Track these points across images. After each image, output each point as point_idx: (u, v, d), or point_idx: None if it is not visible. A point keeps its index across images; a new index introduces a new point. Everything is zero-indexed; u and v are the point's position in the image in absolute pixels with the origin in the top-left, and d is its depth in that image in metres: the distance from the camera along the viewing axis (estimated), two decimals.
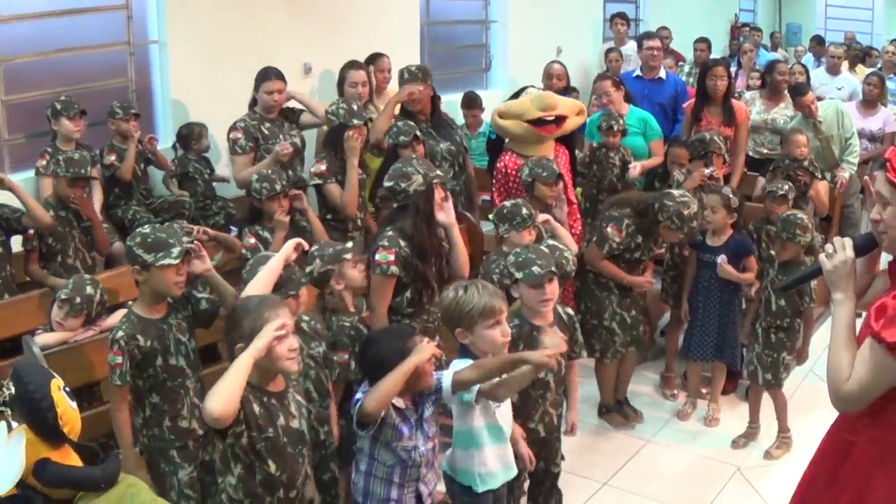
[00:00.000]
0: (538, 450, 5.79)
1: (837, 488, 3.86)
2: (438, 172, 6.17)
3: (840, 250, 3.73)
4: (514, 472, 5.34)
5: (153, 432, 5.28)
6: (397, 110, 8.69)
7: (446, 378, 4.81)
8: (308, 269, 5.65)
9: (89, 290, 6.14)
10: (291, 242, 5.23)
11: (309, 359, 5.38)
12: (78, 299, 6.07)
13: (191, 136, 9.13)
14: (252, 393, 4.21)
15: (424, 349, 4.58)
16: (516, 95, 8.55)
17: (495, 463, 5.17)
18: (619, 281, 7.39)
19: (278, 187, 6.93)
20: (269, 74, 8.24)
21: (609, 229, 7.30)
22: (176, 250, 5.03)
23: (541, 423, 5.81)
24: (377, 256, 5.99)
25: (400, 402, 4.69)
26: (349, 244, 5.81)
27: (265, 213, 7.01)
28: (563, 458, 6.15)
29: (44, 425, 3.18)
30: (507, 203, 6.82)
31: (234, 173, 8.25)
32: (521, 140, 8.17)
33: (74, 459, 3.26)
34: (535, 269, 5.54)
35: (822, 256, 3.79)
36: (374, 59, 9.57)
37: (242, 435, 4.15)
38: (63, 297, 6.09)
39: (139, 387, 5.19)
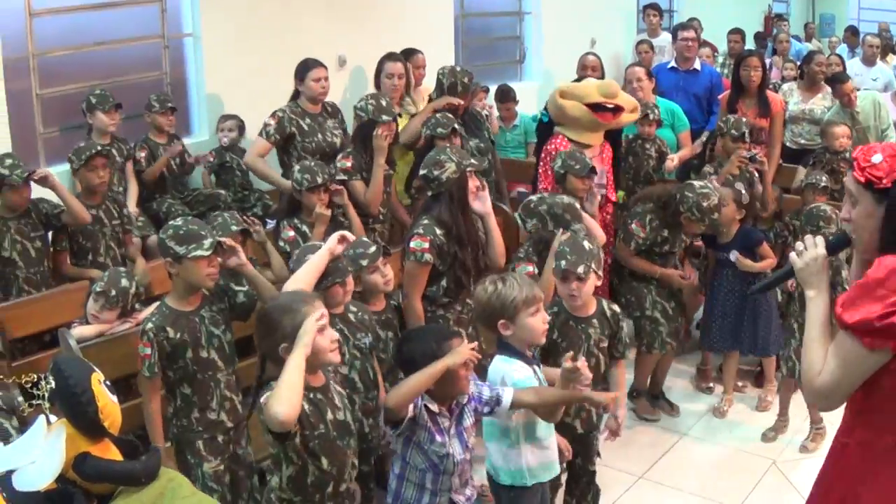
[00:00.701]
0: (575, 447, 5.76)
1: (825, 490, 3.85)
2: (472, 161, 6.14)
3: (811, 247, 3.70)
4: (558, 468, 5.34)
5: (182, 423, 5.28)
6: (425, 104, 8.70)
7: (506, 396, 4.80)
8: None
9: (124, 282, 6.14)
10: (336, 235, 5.18)
11: (355, 349, 5.38)
12: (113, 292, 6.08)
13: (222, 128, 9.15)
14: None
15: (460, 353, 4.48)
16: (578, 81, 8.61)
17: (541, 457, 5.16)
18: (652, 276, 7.43)
19: (319, 179, 6.93)
20: (312, 63, 8.23)
21: (633, 225, 7.42)
22: (207, 242, 5.04)
23: (577, 419, 5.77)
24: (412, 244, 5.98)
25: (434, 406, 4.61)
26: (371, 249, 5.74)
27: (304, 206, 7.01)
28: (598, 455, 6.12)
29: (84, 419, 3.17)
30: (534, 198, 6.81)
31: (248, 150, 8.31)
32: (576, 123, 8.14)
33: (114, 454, 3.25)
34: (563, 263, 5.57)
35: (792, 255, 3.76)
36: (409, 54, 9.58)
37: (296, 435, 4.14)
38: (98, 289, 6.09)
39: (169, 378, 5.20)
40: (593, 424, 5.89)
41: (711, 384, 8.28)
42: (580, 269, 5.53)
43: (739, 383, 8.09)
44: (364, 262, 5.63)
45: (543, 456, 5.16)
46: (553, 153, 8.03)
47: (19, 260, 6.88)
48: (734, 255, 7.42)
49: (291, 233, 6.97)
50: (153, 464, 3.28)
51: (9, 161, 6.83)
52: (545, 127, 8.69)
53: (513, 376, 4.95)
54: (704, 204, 7.15)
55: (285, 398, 3.86)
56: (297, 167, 7.13)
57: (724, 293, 7.72)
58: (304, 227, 7.00)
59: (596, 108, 8.05)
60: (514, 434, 5.03)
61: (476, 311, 5.29)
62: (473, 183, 6.07)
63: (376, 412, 5.51)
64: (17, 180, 6.74)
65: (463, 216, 6.07)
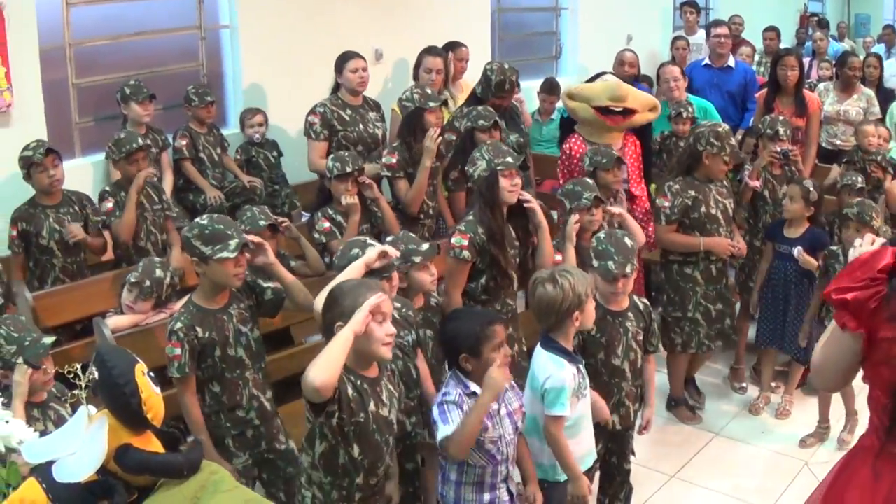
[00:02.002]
0: (611, 445, 5.81)
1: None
2: (507, 160, 6.09)
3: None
4: (592, 458, 5.38)
5: (211, 420, 5.25)
6: (464, 97, 8.67)
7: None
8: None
9: (159, 273, 6.16)
10: (377, 250, 5.09)
11: (398, 349, 5.28)
12: (147, 282, 6.11)
13: (242, 121, 9.17)
14: (347, 375, 4.19)
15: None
16: (593, 80, 8.52)
17: (575, 451, 5.17)
18: (696, 248, 7.31)
19: (348, 168, 6.93)
20: (350, 54, 8.29)
21: (658, 200, 7.38)
22: (233, 243, 4.99)
23: (615, 414, 5.74)
24: (453, 240, 6.01)
25: (478, 389, 4.65)
26: (424, 246, 5.71)
27: (335, 195, 7.02)
28: (633, 453, 6.10)
29: (127, 411, 3.15)
30: (570, 183, 6.79)
31: (308, 158, 8.28)
32: (587, 124, 8.12)
33: (156, 445, 3.23)
34: (611, 264, 5.55)
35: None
36: (454, 46, 9.56)
37: (334, 415, 4.13)
38: (133, 280, 6.11)
39: (198, 377, 5.17)
40: (630, 422, 5.88)
41: (745, 384, 8.26)
42: (628, 269, 5.55)
43: (773, 384, 8.03)
44: (417, 260, 5.58)
45: (577, 450, 5.18)
46: (568, 152, 8.09)
47: (56, 249, 6.91)
48: (797, 251, 7.33)
49: (326, 224, 6.97)
50: (195, 456, 3.26)
51: (33, 144, 6.90)
52: (566, 123, 8.73)
53: (555, 384, 5.00)
54: (719, 130, 7.24)
55: (322, 366, 3.88)
56: (330, 156, 7.17)
57: (779, 288, 7.66)
58: (339, 218, 7.00)
59: (603, 111, 7.99)
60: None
61: (540, 310, 5.18)
62: (507, 181, 6.06)
63: (417, 410, 5.51)
64: (40, 157, 6.76)
65: (493, 214, 6.06)
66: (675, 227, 7.30)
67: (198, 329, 5.06)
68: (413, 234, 5.92)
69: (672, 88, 9.39)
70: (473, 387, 4.64)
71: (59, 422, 4.67)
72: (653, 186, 8.58)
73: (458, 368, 4.74)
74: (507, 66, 8.56)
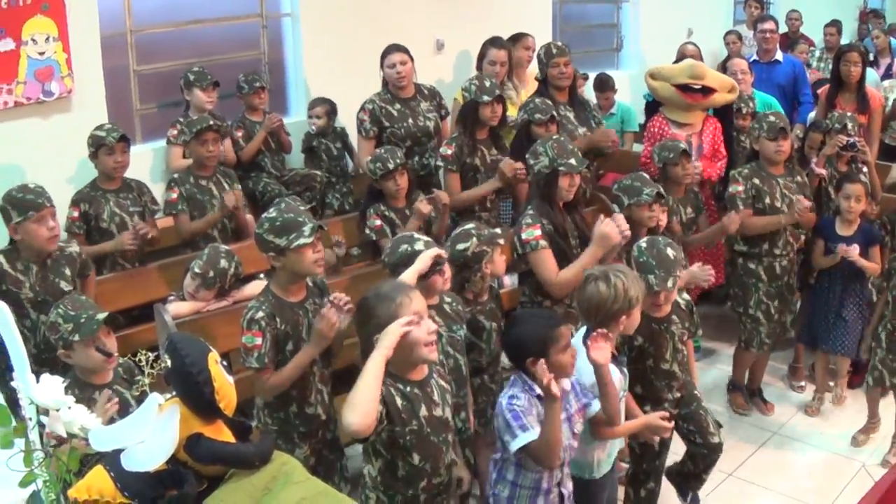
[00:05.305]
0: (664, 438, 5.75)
1: None
2: (571, 161, 6.08)
3: None
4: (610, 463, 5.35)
5: (279, 416, 5.24)
6: (535, 87, 8.64)
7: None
8: (462, 247, 5.58)
9: (223, 263, 6.14)
10: (429, 253, 5.06)
11: (448, 345, 5.29)
12: (211, 273, 6.10)
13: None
14: (393, 385, 4.14)
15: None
16: (677, 62, 8.81)
17: (609, 449, 5.20)
18: (776, 227, 7.29)
19: (391, 165, 6.90)
20: (389, 49, 8.23)
21: (730, 188, 7.40)
22: (308, 228, 4.94)
23: (671, 407, 5.73)
24: (523, 235, 6.01)
25: (541, 391, 4.58)
26: (498, 230, 5.71)
27: (385, 193, 7.01)
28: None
29: (200, 400, 3.12)
30: (628, 178, 6.76)
31: (358, 156, 8.36)
32: (668, 103, 8.35)
33: (227, 435, 3.19)
34: (651, 278, 5.47)
35: None
36: (520, 37, 9.46)
37: (383, 432, 4.08)
38: (197, 270, 6.10)
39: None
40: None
41: (803, 382, 8.23)
42: (669, 284, 5.48)
43: (830, 383, 7.95)
44: (501, 242, 5.66)
45: (600, 454, 5.20)
46: (651, 130, 8.36)
47: (116, 232, 6.87)
48: (846, 249, 7.20)
49: (378, 221, 6.97)
50: (267, 447, 3.23)
51: (106, 125, 6.94)
52: (651, 106, 8.91)
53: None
54: (772, 119, 7.36)
55: (358, 407, 3.81)
56: (368, 157, 7.14)
57: (830, 286, 7.59)
58: (391, 214, 7.00)
59: (684, 88, 8.17)
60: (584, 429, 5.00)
61: (588, 307, 5.10)
62: (566, 181, 6.05)
63: (466, 408, 5.49)
64: (112, 141, 6.76)
65: (555, 209, 6.09)
66: (751, 211, 7.29)
67: (277, 320, 5.03)
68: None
69: (739, 82, 9.30)
70: (538, 390, 4.56)
71: (121, 405, 4.70)
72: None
73: (524, 372, 4.66)
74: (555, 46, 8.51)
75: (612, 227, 5.68)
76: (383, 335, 3.98)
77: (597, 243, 5.83)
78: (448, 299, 5.37)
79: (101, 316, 4.72)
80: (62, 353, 4.76)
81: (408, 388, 4.21)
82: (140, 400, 4.70)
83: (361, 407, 3.81)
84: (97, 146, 6.81)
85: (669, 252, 5.54)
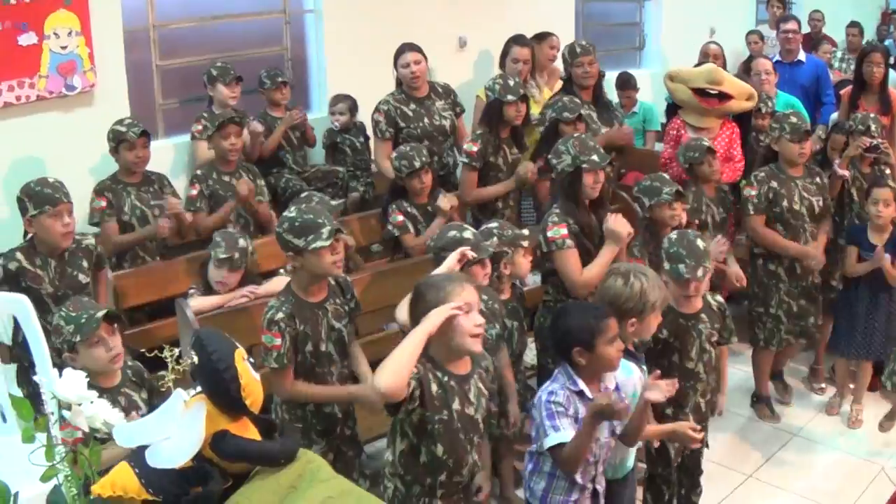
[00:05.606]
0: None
1: None
2: (593, 158, 6.06)
3: None
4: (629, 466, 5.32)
5: (297, 413, 5.26)
6: (559, 85, 8.63)
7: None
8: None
9: (241, 242, 6.24)
10: (457, 253, 5.03)
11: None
12: (236, 254, 6.17)
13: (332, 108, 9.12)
14: (432, 371, 4.15)
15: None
16: (700, 62, 8.84)
17: (620, 453, 5.14)
18: (786, 252, 7.28)
19: (417, 164, 6.93)
20: (402, 49, 8.19)
21: (745, 190, 7.36)
22: (326, 230, 4.93)
23: (691, 412, 5.71)
24: (549, 234, 6.01)
25: (588, 391, 4.58)
26: (526, 231, 5.71)
27: (409, 191, 7.03)
28: (706, 445, 6.02)
29: (226, 397, 3.10)
30: (648, 179, 6.77)
31: (374, 157, 8.38)
32: (685, 106, 8.33)
33: (253, 433, 3.18)
34: (682, 267, 5.48)
35: None
36: (544, 36, 9.44)
37: (414, 412, 4.09)
38: (221, 256, 6.14)
39: None
40: (703, 416, 5.84)
41: (824, 385, 8.18)
42: (699, 273, 5.48)
43: (851, 385, 7.88)
44: (524, 244, 5.72)
45: (620, 452, 5.16)
46: (670, 132, 8.34)
47: (138, 226, 6.89)
48: (881, 255, 7.16)
49: (400, 217, 7.01)
50: (292, 444, 3.21)
51: (127, 120, 6.94)
52: (671, 108, 8.87)
53: (636, 389, 4.95)
54: (793, 119, 7.30)
55: (389, 369, 3.86)
56: (394, 154, 7.16)
57: (859, 294, 7.52)
58: (414, 210, 7.03)
59: (701, 93, 8.14)
60: None
61: (600, 300, 5.10)
62: (591, 178, 6.04)
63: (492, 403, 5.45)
64: (133, 136, 6.78)
65: (580, 208, 6.08)
66: (763, 217, 7.28)
67: (296, 320, 5.03)
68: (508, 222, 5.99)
69: (763, 82, 9.26)
70: (581, 385, 4.56)
71: (130, 408, 4.65)
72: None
73: (570, 363, 4.64)
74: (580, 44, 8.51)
75: (619, 223, 5.68)
76: (430, 313, 4.01)
77: (608, 241, 5.88)
78: (484, 297, 5.30)
79: (101, 313, 4.61)
80: (67, 356, 4.61)
81: (445, 378, 4.21)
82: (148, 403, 4.74)
83: (394, 369, 3.86)
84: (118, 141, 6.83)
85: (699, 243, 5.57)
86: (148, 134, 6.96)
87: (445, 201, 6.91)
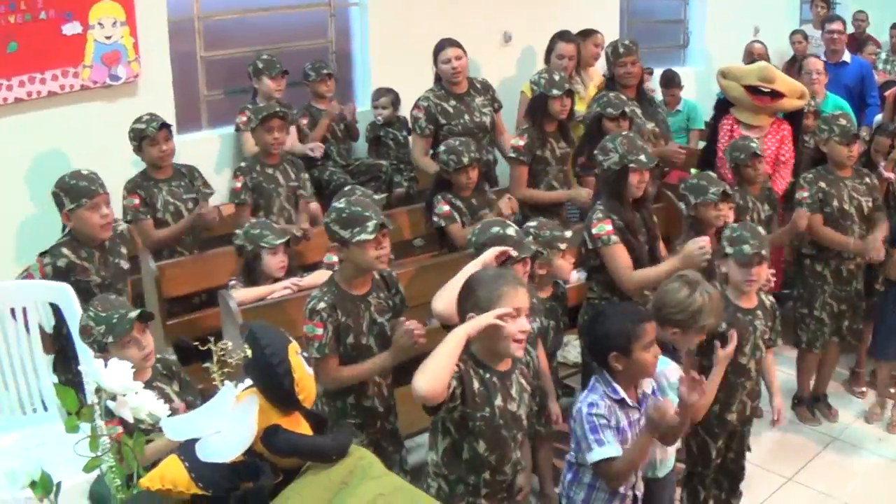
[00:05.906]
0: (728, 440, 5.79)
1: None
2: (641, 158, 6.03)
3: None
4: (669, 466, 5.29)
5: (335, 404, 5.25)
6: (599, 81, 8.60)
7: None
8: None
9: (281, 223, 6.38)
10: (495, 250, 4.90)
11: None
12: (284, 238, 6.24)
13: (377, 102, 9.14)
14: (474, 368, 4.13)
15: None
16: (746, 61, 8.92)
17: (670, 449, 5.13)
18: (844, 248, 7.23)
19: (465, 160, 6.93)
20: (442, 44, 8.16)
21: (797, 193, 7.32)
22: (371, 224, 4.92)
23: (735, 413, 5.68)
24: (594, 230, 5.97)
25: (623, 394, 4.56)
26: (568, 233, 5.68)
27: (454, 185, 7.04)
28: (749, 449, 6.02)
29: (279, 391, 3.07)
30: (695, 177, 6.73)
31: (411, 153, 8.37)
32: (737, 103, 8.28)
33: (304, 428, 3.15)
34: (746, 247, 5.49)
35: None
36: (589, 33, 9.44)
37: (455, 410, 4.07)
38: (276, 243, 6.18)
39: None
40: (746, 417, 5.81)
41: (864, 388, 8.11)
42: (764, 252, 5.50)
43: (892, 390, 7.84)
44: (562, 246, 5.69)
45: (672, 447, 5.15)
46: (722, 129, 8.33)
47: (172, 221, 6.87)
48: None
49: (446, 207, 7.00)
50: (344, 440, 3.19)
51: (146, 117, 6.86)
52: (721, 104, 8.75)
53: (669, 379, 4.92)
54: (842, 122, 7.27)
55: (429, 372, 3.85)
56: (441, 147, 7.15)
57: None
58: (459, 202, 7.03)
59: (753, 90, 8.09)
60: None
61: (659, 300, 5.12)
62: (636, 178, 6.02)
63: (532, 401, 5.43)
64: (153, 132, 6.73)
65: (624, 206, 6.06)
66: (821, 217, 7.23)
67: (339, 311, 5.03)
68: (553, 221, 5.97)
69: (814, 81, 9.21)
70: (622, 393, 4.54)
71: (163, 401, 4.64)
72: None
73: (607, 368, 4.61)
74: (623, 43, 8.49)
75: (698, 252, 5.57)
76: (477, 318, 3.99)
77: (681, 259, 5.64)
78: None
79: (133, 314, 4.59)
80: (97, 356, 4.60)
81: (487, 375, 4.20)
82: (180, 395, 4.76)
83: (433, 373, 3.85)
84: (139, 139, 6.79)
85: (760, 229, 5.65)
86: (168, 126, 6.88)
87: (507, 206, 6.91)
